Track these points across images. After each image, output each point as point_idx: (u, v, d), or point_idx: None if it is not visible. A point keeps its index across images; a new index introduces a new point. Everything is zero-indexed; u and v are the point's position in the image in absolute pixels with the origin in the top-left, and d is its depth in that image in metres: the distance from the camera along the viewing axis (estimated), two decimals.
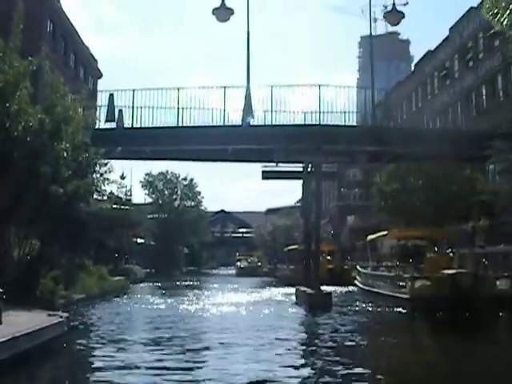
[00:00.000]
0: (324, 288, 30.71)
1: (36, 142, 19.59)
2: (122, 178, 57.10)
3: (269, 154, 30.52)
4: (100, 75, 57.59)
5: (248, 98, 28.69)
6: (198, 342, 16.65)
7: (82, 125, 22.43)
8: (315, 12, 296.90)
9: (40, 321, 13.54)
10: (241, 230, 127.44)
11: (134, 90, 29.97)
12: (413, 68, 75.30)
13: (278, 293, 39.63)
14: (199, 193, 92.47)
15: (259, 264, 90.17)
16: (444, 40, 57.31)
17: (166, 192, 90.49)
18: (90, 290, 30.18)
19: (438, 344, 17.42)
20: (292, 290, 41.92)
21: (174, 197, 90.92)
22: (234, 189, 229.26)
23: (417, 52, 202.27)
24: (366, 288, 33.91)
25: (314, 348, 16.45)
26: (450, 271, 25.46)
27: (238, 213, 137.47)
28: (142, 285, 49.78)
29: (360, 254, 66.49)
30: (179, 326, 20.36)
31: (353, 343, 17.39)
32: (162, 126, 29.38)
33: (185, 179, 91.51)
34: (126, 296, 34.02)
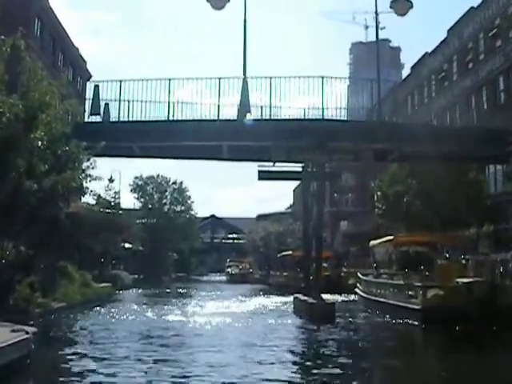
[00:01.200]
0: (325, 297, 28.43)
1: (8, 131, 17.22)
2: (111, 181, 55.18)
3: (266, 152, 28.25)
4: (89, 76, 55.31)
5: (245, 90, 26.42)
6: (183, 367, 13.90)
7: (61, 113, 20.02)
8: (305, 17, 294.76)
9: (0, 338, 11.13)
10: (231, 236, 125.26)
11: (121, 81, 27.60)
12: (409, 71, 73.46)
13: (273, 301, 37.31)
14: (189, 197, 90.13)
15: (251, 270, 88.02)
16: (442, 42, 55.60)
17: (155, 196, 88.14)
18: (71, 298, 27.82)
19: (458, 364, 15.04)
20: (287, 298, 39.89)
21: (164, 201, 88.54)
22: (223, 195, 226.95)
23: (407, 59, 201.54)
24: (369, 297, 31.65)
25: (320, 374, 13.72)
26: (466, 280, 23.36)
27: (228, 218, 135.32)
28: (129, 292, 47.33)
29: (354, 260, 64.64)
30: (164, 342, 17.74)
31: (367, 365, 15.20)
32: (151, 119, 27.05)
33: (175, 183, 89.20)
34: (110, 305, 31.51)
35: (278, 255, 64.10)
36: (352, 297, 38.98)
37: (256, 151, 29.13)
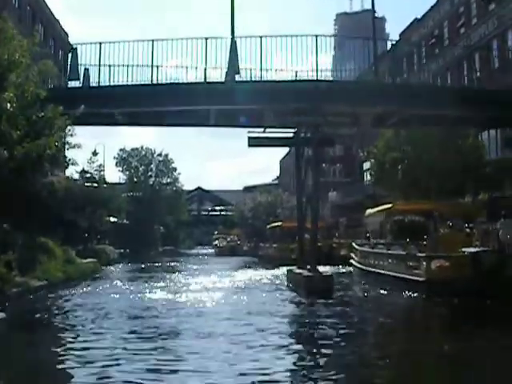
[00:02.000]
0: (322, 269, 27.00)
1: None
2: (94, 154, 53.43)
3: (257, 116, 26.61)
4: (71, 49, 53.35)
5: (233, 50, 24.61)
6: (169, 353, 12.00)
7: (34, 74, 18.15)
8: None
9: None
10: (218, 208, 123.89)
11: (100, 43, 25.62)
12: (398, 37, 71.70)
13: (265, 275, 35.74)
14: (175, 169, 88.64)
15: (238, 243, 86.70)
16: (432, 7, 54.04)
17: (140, 169, 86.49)
18: (52, 276, 26.08)
19: (466, 341, 13.54)
20: (279, 270, 38.57)
21: (149, 173, 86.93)
22: (208, 169, 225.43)
23: (392, 30, 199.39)
24: (366, 268, 30.27)
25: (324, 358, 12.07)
26: (472, 249, 21.96)
27: (215, 191, 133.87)
28: (114, 267, 45.70)
29: (344, 231, 63.37)
30: (149, 324, 15.68)
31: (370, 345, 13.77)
32: (133, 83, 25.21)
33: (160, 155, 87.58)
34: (94, 282, 29.82)
35: (268, 226, 62.54)
36: (345, 268, 37.68)
37: (246, 116, 27.47)
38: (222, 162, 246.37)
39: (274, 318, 16.97)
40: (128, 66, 25.88)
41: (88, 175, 52.98)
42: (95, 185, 52.53)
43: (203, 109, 26.29)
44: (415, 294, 22.22)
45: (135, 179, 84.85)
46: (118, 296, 22.68)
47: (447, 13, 51.40)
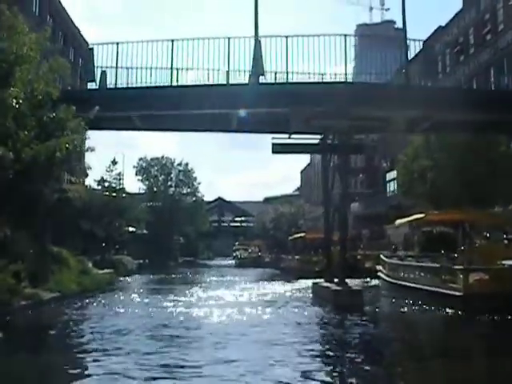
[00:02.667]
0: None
1: None
2: (114, 163, 52.45)
3: (282, 121, 25.19)
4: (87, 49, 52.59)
5: (257, 50, 23.26)
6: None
7: (44, 70, 16.87)
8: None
9: None
10: (239, 219, 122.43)
11: (117, 43, 24.36)
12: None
13: (288, 288, 34.15)
14: (195, 179, 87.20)
15: (259, 254, 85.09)
16: (456, 14, 52.63)
17: (160, 178, 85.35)
18: (65, 287, 24.84)
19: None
20: (302, 283, 37.06)
21: (169, 183, 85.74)
22: (229, 179, 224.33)
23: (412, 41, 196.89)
24: (395, 281, 28.58)
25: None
26: None
27: (235, 202, 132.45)
28: (132, 278, 44.41)
29: (368, 243, 61.60)
30: (169, 354, 13.17)
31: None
32: (152, 85, 23.91)
33: (180, 165, 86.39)
34: (110, 294, 28.43)
35: (290, 238, 60.95)
36: (371, 281, 36.07)
37: (270, 122, 26.08)
38: (242, 172, 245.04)
39: (305, 346, 14.55)
40: (146, 68, 24.68)
41: (106, 184, 51.99)
42: (114, 194, 51.55)
43: (225, 113, 24.90)
44: (451, 310, 20.63)
45: (155, 189, 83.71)
46: (133, 311, 21.23)
47: (472, 20, 50.11)
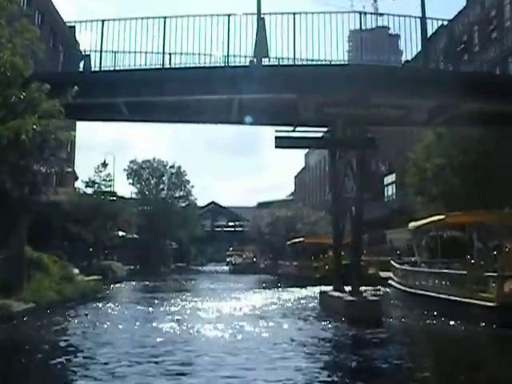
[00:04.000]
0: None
1: None
2: (104, 165, 49.84)
3: (288, 110, 22.43)
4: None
5: (261, 29, 20.49)
6: None
7: (8, 37, 14.02)
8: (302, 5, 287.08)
9: None
10: (232, 224, 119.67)
11: (103, 21, 21.47)
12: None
13: (289, 297, 31.25)
14: (188, 182, 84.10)
15: (254, 260, 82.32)
16: (460, 12, 50.30)
17: (152, 181, 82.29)
18: (42, 297, 21.91)
19: None
20: (304, 291, 34.59)
21: (161, 186, 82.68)
22: (221, 185, 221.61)
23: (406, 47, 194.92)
24: (410, 290, 25.75)
25: None
26: None
27: (229, 207, 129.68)
28: (121, 285, 41.55)
29: (368, 248, 58.88)
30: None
31: None
32: (142, 67, 21.11)
33: (172, 167, 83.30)
34: (94, 304, 25.45)
35: (288, 242, 58.11)
36: (376, 289, 33.19)
37: (274, 112, 23.32)
38: (234, 178, 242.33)
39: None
40: (135, 52, 21.88)
41: (95, 186, 49.24)
42: (103, 196, 48.87)
43: (224, 102, 22.09)
44: (484, 324, 17.93)
45: (146, 192, 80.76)
46: (117, 327, 18.29)
47: (477, 17, 47.86)
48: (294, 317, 21.72)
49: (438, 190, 32.08)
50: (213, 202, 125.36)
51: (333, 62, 21.20)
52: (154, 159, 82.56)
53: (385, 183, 68.40)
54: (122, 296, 31.85)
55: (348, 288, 23.27)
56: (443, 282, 22.39)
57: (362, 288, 32.62)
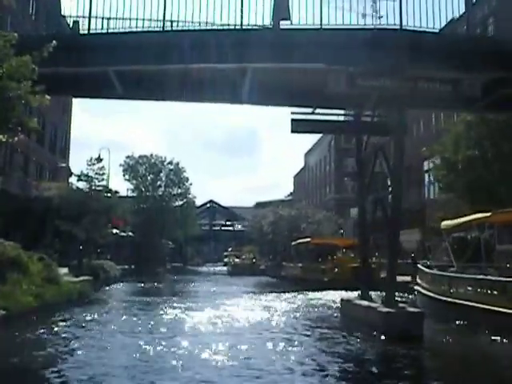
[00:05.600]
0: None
1: None
2: (99, 160, 46.49)
3: (310, 86, 19.03)
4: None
5: None
6: None
7: None
8: None
9: None
10: (231, 223, 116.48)
11: None
12: None
13: (299, 304, 27.83)
14: (187, 179, 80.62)
15: (254, 261, 78.86)
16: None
17: (148, 178, 78.80)
18: (17, 302, 18.50)
19: None
20: (315, 296, 32.13)
21: (159, 183, 79.18)
22: (218, 185, 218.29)
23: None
24: (443, 299, 22.22)
25: None
26: None
27: (227, 207, 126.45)
28: (113, 287, 38.16)
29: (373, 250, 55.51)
30: None
31: None
32: (137, 30, 17.61)
33: (170, 163, 79.84)
34: (78, 311, 21.90)
35: (293, 243, 54.65)
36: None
37: (291, 89, 19.88)
38: (231, 178, 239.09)
39: None
40: (131, 19, 18.33)
41: (88, 179, 45.79)
42: (96, 189, 45.57)
43: (235, 74, 18.60)
44: None
45: (143, 189, 77.30)
46: (95, 344, 14.70)
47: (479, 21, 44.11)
48: (312, 331, 18.23)
49: (468, 185, 28.62)
50: (211, 201, 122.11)
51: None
52: (152, 155, 79.32)
53: (389, 183, 65.30)
54: (111, 301, 28.31)
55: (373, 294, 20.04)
56: (494, 292, 18.92)
57: (377, 293, 29.73)
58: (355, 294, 23.46)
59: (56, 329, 17.05)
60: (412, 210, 46.57)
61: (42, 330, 16.34)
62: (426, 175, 52.46)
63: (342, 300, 22.77)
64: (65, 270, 33.55)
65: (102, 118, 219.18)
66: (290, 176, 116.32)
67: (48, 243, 40.71)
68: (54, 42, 13.69)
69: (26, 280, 21.45)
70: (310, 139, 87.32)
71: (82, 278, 31.72)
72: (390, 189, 19.78)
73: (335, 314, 22.71)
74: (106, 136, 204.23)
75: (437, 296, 23.21)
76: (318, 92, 18.72)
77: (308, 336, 17.05)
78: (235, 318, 20.49)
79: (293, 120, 19.88)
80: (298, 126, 20.15)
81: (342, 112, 23.70)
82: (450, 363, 13.81)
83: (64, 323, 18.33)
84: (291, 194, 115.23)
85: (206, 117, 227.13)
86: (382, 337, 15.99)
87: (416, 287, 26.80)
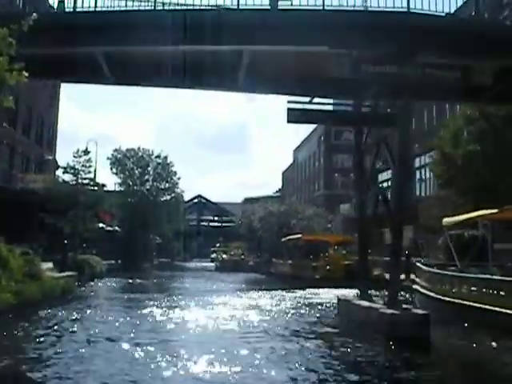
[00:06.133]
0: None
1: None
2: (86, 152, 45.40)
3: (310, 71, 17.94)
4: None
5: None
6: None
7: None
8: None
9: None
10: (219, 219, 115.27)
11: None
12: None
13: (290, 302, 26.63)
14: (175, 173, 79.06)
15: (242, 257, 77.68)
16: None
17: (136, 172, 77.24)
18: None
19: None
20: (305, 294, 31.50)
21: (146, 177, 77.64)
22: (206, 181, 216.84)
23: None
24: (448, 299, 21.11)
25: None
26: None
27: (214, 202, 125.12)
28: (98, 283, 36.95)
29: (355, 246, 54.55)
30: None
31: None
32: (126, 9, 16.41)
33: (158, 157, 78.22)
34: (60, 309, 20.63)
35: (283, 239, 53.53)
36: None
37: (290, 77, 18.79)
38: (219, 173, 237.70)
39: None
40: None
41: (74, 172, 44.63)
42: (82, 182, 44.51)
43: (232, 57, 17.47)
44: None
45: (130, 183, 75.84)
46: (73, 349, 13.40)
47: (488, 6, 42.79)
48: (309, 336, 16.67)
49: (468, 181, 27.63)
50: (199, 196, 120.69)
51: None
52: (139, 148, 77.63)
53: (380, 179, 64.50)
54: (95, 297, 27.12)
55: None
56: (496, 291, 17.92)
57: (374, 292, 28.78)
58: (348, 292, 22.52)
59: (31, 329, 15.81)
60: (404, 207, 45.53)
61: (16, 332, 15.09)
62: (418, 172, 51.69)
63: (339, 299, 21.68)
64: (49, 265, 32.45)
65: (91, 111, 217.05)
66: (279, 172, 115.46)
67: (33, 237, 39.69)
68: (35, 14, 12.48)
69: (5, 275, 20.26)
70: (300, 136, 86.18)
71: (66, 274, 30.58)
72: (391, 183, 18.60)
73: (332, 315, 21.54)
74: (95, 129, 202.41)
75: (438, 296, 22.18)
76: (317, 79, 17.75)
77: (306, 341, 15.62)
78: (224, 320, 19.02)
79: (289, 109, 18.76)
80: (295, 116, 19.01)
81: (340, 102, 22.58)
82: (466, 371, 12.77)
83: (41, 323, 17.08)
84: (279, 190, 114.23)
85: (195, 112, 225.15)
86: (387, 340, 14.88)
87: (414, 286, 25.75)
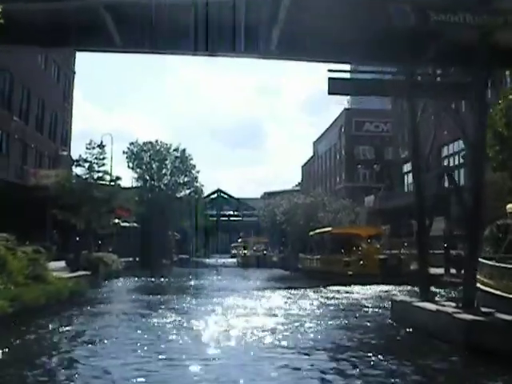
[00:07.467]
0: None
1: None
2: (101, 146, 42.62)
3: (358, 28, 14.79)
4: None
5: None
6: None
7: None
8: None
9: None
10: (239, 213, 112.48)
11: None
12: None
13: (326, 304, 23.23)
14: (194, 166, 76.14)
15: (265, 253, 74.80)
16: None
17: (153, 166, 74.53)
18: None
19: None
20: (343, 293, 28.30)
21: (164, 171, 74.90)
22: (223, 177, 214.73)
23: None
24: None
25: None
26: None
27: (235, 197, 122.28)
28: (114, 283, 34.28)
29: (388, 240, 51.33)
30: None
31: None
32: None
33: (176, 150, 75.44)
34: (64, 317, 17.70)
35: (311, 233, 50.33)
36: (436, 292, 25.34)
37: (332, 37, 15.60)
38: (237, 169, 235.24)
39: None
40: None
41: (87, 165, 41.82)
42: (97, 176, 41.81)
43: (259, 11, 14.37)
44: None
45: (147, 177, 73.21)
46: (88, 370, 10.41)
47: None
48: (366, 353, 12.86)
49: None
50: (219, 190, 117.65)
51: None
52: (157, 141, 75.02)
53: (404, 171, 61.91)
54: (108, 301, 24.01)
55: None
56: None
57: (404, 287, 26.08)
58: (388, 290, 19.23)
59: (20, 346, 12.81)
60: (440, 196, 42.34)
61: (12, 351, 12.09)
62: (446, 160, 48.91)
63: (393, 301, 18.42)
64: (61, 264, 30.07)
65: (107, 109, 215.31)
66: (295, 167, 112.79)
67: (46, 235, 37.30)
68: None
69: (2, 279, 17.42)
70: (316, 130, 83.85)
71: (78, 273, 28.01)
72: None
73: (386, 321, 18.13)
74: (111, 127, 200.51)
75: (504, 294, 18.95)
76: (366, 41, 14.55)
77: (365, 361, 12.12)
78: (253, 330, 15.56)
79: (330, 79, 15.70)
80: (337, 86, 15.95)
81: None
82: None
83: (38, 335, 14.07)
84: (299, 184, 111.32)
85: (209, 106, 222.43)
86: (468, 355, 11.76)
87: (479, 285, 22.40)
